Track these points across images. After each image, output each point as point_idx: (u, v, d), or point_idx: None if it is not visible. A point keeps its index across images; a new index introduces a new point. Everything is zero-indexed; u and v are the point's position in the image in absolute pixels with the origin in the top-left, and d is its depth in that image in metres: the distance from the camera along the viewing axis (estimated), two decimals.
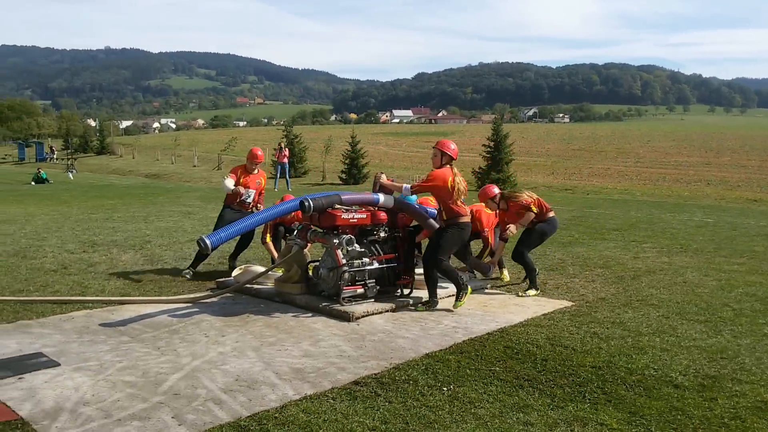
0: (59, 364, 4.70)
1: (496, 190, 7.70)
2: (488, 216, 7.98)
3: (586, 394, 4.23)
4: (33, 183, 29.79)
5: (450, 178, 6.39)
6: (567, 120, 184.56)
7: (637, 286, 7.60)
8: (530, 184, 25.97)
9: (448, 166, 6.52)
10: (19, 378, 4.42)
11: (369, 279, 6.51)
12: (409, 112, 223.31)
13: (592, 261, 9.22)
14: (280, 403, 4.03)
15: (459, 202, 6.45)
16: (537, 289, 7.19)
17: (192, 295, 6.87)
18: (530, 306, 6.64)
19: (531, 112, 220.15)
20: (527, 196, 7.42)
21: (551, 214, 7.56)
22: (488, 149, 29.78)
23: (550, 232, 7.68)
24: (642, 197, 23.70)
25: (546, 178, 32.14)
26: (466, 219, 6.55)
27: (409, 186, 6.68)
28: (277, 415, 3.85)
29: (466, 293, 6.46)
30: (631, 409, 3.99)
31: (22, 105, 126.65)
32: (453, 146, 6.63)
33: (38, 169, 34.03)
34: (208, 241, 5.95)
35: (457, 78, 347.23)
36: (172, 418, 3.78)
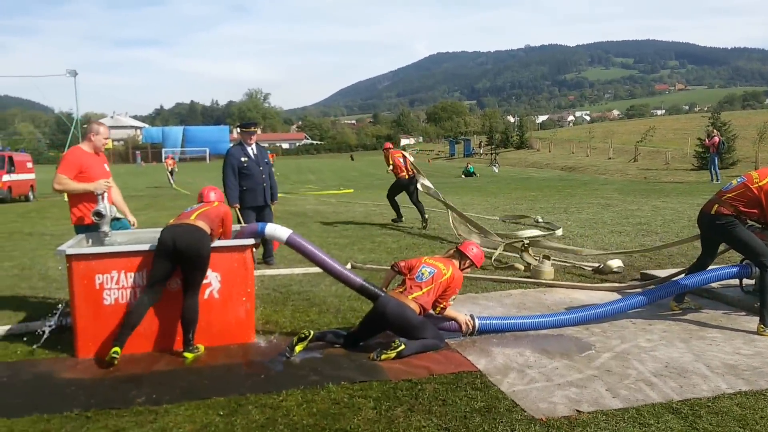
0: None
1: None
2: None
3: None
4: (463, 176, 33.44)
5: None
6: None
7: None
8: None
9: None
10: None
11: None
12: None
13: None
14: (713, 393, 4.07)
15: None
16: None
17: (617, 284, 7.16)
18: None
19: None
20: None
21: None
22: None
23: None
24: None
25: None
26: None
27: None
28: (709, 404, 3.92)
29: None
30: None
31: (452, 106, 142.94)
32: None
33: (467, 163, 38.03)
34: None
35: None
36: (606, 390, 4.15)
